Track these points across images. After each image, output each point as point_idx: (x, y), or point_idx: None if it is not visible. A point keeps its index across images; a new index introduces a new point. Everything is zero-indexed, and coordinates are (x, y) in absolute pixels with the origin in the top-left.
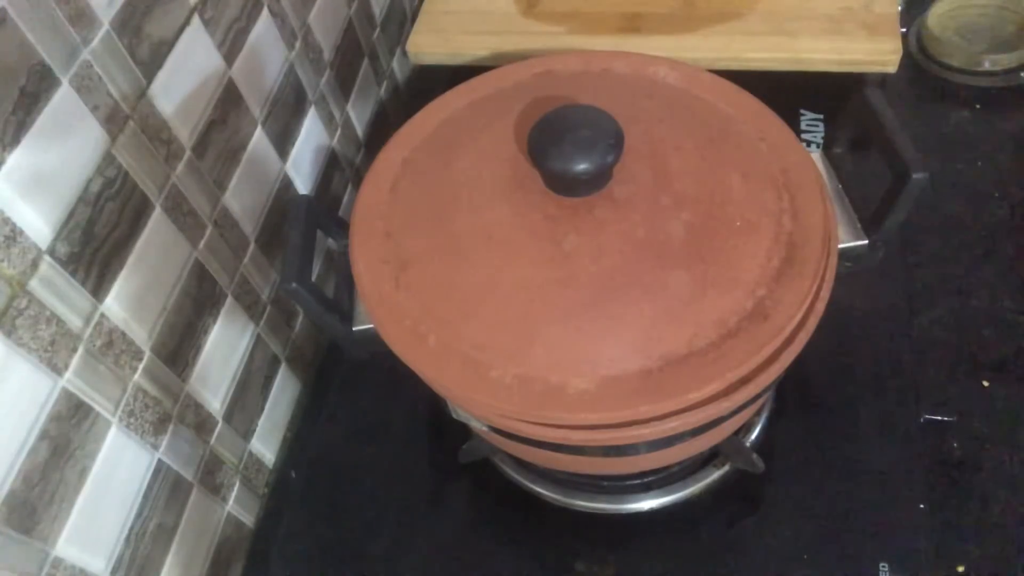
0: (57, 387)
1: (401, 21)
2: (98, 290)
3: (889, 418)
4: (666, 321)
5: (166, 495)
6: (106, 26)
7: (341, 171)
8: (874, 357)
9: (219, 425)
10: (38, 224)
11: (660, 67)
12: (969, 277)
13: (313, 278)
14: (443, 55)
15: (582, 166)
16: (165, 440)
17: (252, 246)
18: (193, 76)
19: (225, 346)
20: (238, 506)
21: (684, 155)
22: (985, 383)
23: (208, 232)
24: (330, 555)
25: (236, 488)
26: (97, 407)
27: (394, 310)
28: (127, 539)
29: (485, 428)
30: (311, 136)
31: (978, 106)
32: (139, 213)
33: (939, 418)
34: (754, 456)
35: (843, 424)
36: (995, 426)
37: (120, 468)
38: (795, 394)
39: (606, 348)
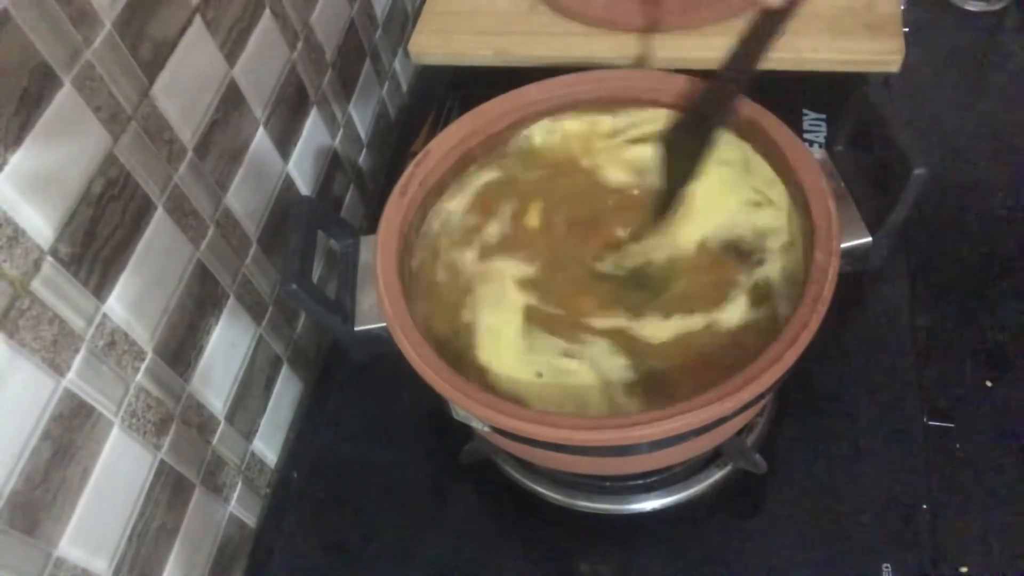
0: (59, 387)
1: (403, 21)
2: (100, 290)
3: (891, 418)
4: None
5: (168, 495)
6: (108, 27)
7: (343, 172)
8: (876, 357)
9: (221, 425)
10: (40, 225)
11: None
12: (972, 277)
13: (315, 279)
14: (445, 55)
15: None
16: (167, 440)
17: (254, 247)
18: (195, 77)
19: (227, 346)
20: (240, 506)
21: None
22: (988, 383)
23: (210, 233)
24: (332, 555)
25: (238, 488)
26: (99, 407)
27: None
28: (129, 539)
29: (487, 429)
30: (313, 137)
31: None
32: (141, 213)
33: (942, 418)
34: (756, 456)
35: (845, 424)
36: (998, 427)
37: (122, 468)
38: (798, 395)
39: None
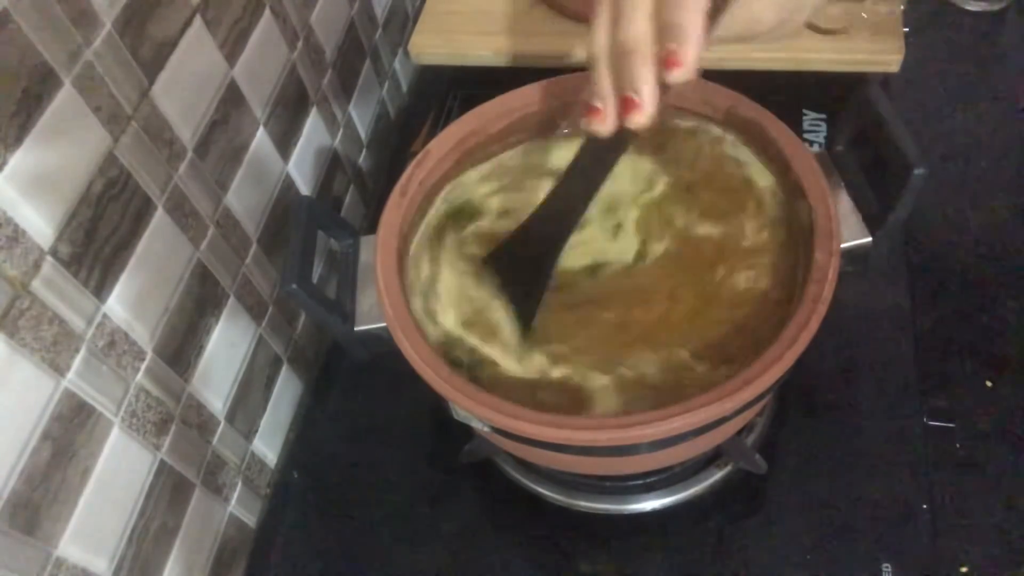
0: (59, 388)
1: (403, 21)
2: (100, 290)
3: (891, 418)
4: None
5: (168, 496)
6: (108, 26)
7: (343, 172)
8: (876, 357)
9: (221, 425)
10: (40, 225)
11: None
12: (972, 277)
13: (315, 279)
14: (445, 55)
15: None
16: (167, 440)
17: (254, 246)
18: (195, 76)
19: (227, 346)
20: (240, 506)
21: None
22: (988, 383)
23: (210, 233)
24: (332, 555)
25: (238, 488)
26: (99, 407)
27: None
28: (129, 539)
29: (487, 429)
30: (313, 136)
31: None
32: (141, 214)
33: (942, 418)
34: (757, 456)
35: (846, 424)
36: (998, 426)
37: (122, 468)
38: (798, 394)
39: None
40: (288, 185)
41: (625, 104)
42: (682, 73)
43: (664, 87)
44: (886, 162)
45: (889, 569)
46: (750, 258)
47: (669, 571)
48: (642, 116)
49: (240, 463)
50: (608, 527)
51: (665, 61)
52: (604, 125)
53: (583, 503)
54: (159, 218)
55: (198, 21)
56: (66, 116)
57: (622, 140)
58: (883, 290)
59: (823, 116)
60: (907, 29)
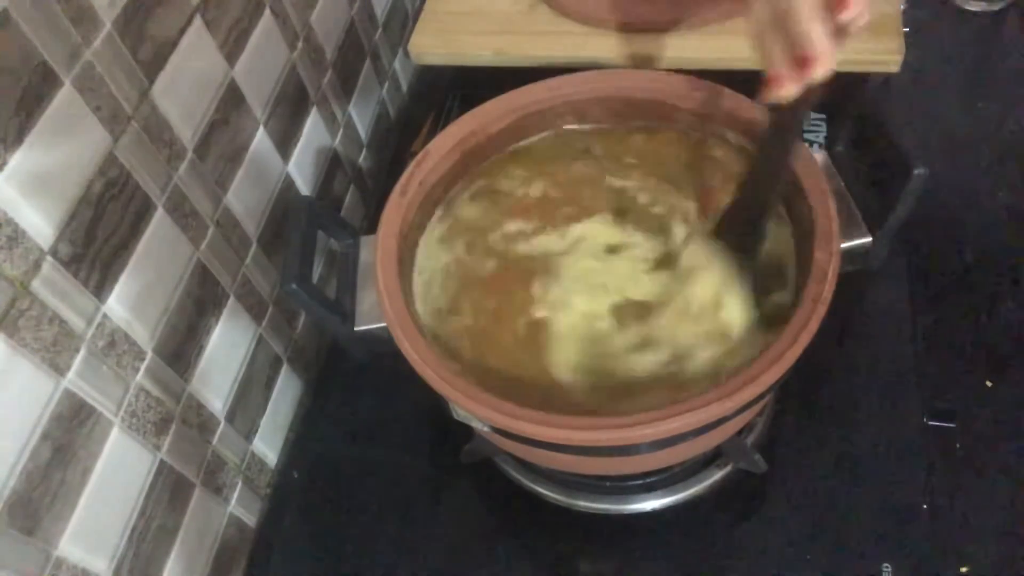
0: (59, 388)
1: (403, 21)
2: (100, 291)
3: (891, 418)
4: None
5: (168, 496)
6: (108, 27)
7: (343, 172)
8: (876, 357)
9: (221, 425)
10: (40, 225)
11: None
12: (972, 277)
13: (315, 279)
14: (444, 55)
15: None
16: (167, 440)
17: (254, 246)
18: (195, 77)
19: (227, 346)
20: (240, 506)
21: None
22: (988, 383)
23: (210, 232)
24: (332, 555)
25: (238, 488)
26: (99, 408)
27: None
28: (129, 539)
29: (487, 429)
30: (313, 136)
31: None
32: (141, 214)
33: (942, 418)
34: (756, 456)
35: (845, 424)
36: (998, 426)
37: (122, 468)
38: (798, 394)
39: None
40: (288, 185)
41: (802, 63)
42: (855, 9)
43: (840, 33)
44: (886, 162)
45: (889, 569)
46: None
47: (669, 571)
48: (822, 66)
49: (240, 463)
50: (608, 527)
51: (835, 5)
52: (787, 89)
53: (583, 503)
54: (159, 218)
55: (198, 21)
56: (66, 116)
57: (804, 101)
58: (883, 290)
59: (823, 116)
60: (907, 29)
